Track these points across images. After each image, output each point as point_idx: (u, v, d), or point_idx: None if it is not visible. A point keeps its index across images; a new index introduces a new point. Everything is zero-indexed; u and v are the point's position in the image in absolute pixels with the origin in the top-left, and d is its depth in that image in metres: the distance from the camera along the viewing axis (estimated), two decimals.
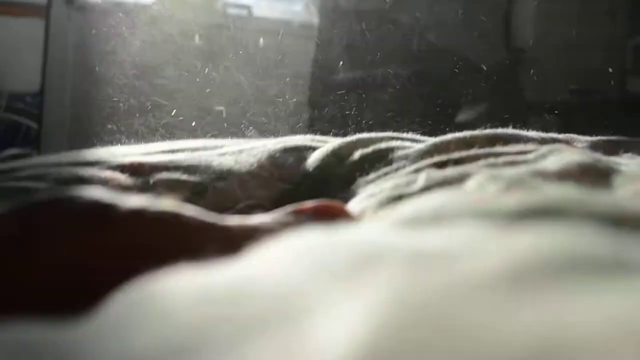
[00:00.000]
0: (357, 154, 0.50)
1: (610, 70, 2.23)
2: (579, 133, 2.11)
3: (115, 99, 1.95)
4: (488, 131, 0.59)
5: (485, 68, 1.85)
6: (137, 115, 1.95)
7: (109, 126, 1.95)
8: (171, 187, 0.49)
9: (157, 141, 0.71)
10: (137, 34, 1.96)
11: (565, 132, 2.21)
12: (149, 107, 1.95)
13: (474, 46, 1.84)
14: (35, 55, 2.06)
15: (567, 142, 0.62)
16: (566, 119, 2.18)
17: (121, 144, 1.90)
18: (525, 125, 2.06)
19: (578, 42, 2.25)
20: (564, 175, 0.43)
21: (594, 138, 0.65)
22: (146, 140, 0.68)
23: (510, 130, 0.60)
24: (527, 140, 0.58)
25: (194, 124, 1.93)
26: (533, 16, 2.25)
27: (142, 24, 1.96)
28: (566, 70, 2.21)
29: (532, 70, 2.09)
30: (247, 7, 2.11)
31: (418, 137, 0.61)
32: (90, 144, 1.93)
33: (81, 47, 1.94)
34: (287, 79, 2.01)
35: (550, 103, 2.14)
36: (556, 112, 2.19)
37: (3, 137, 2.44)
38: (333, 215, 0.43)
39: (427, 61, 1.76)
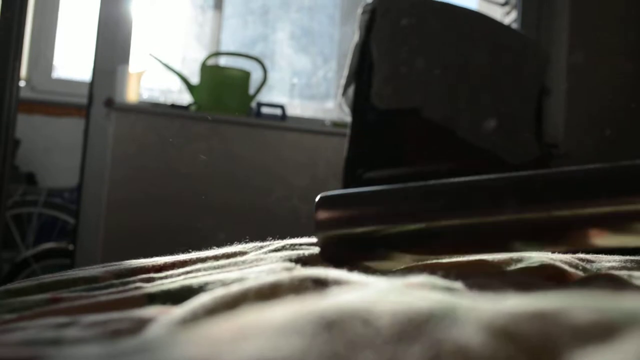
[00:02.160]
0: None
1: None
2: None
3: (150, 198, 1.98)
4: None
5: (517, 164, 1.85)
6: (171, 212, 1.97)
7: (144, 223, 1.98)
8: None
9: (190, 245, 0.71)
10: (173, 133, 2.01)
11: None
12: (183, 204, 1.98)
13: (506, 143, 1.84)
14: (74, 153, 2.12)
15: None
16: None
17: (154, 242, 1.92)
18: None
19: (611, 136, 2.24)
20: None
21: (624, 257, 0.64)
22: (180, 242, 0.68)
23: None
24: None
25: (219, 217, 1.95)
26: (565, 112, 2.27)
27: (178, 125, 2.01)
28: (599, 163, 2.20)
29: (565, 166, 2.08)
30: (281, 107, 2.16)
31: None
32: (125, 239, 1.96)
33: (119, 146, 1.99)
34: (320, 177, 2.03)
35: None
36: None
37: (41, 231, 2.49)
38: None
39: (459, 159, 1.77)
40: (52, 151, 2.61)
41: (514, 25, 2.41)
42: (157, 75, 2.28)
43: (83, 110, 2.08)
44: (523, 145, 1.88)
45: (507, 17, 2.52)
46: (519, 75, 1.92)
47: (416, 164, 1.78)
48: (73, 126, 2.44)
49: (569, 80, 2.28)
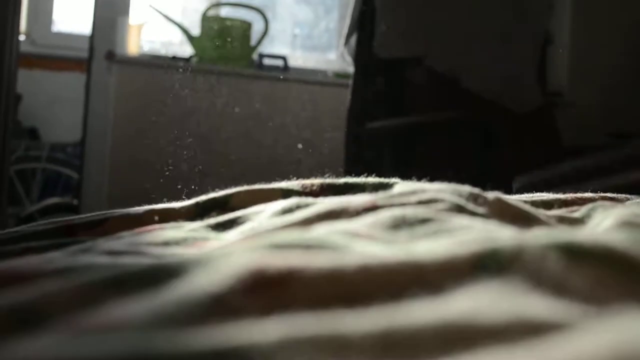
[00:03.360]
0: None
1: None
2: (616, 178, 2.07)
3: (154, 151, 1.98)
4: (533, 195, 0.58)
5: (521, 113, 1.85)
6: (175, 165, 1.97)
7: (148, 176, 1.98)
8: None
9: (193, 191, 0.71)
10: (175, 86, 1.99)
11: (601, 176, 2.18)
12: (186, 157, 1.97)
13: (510, 91, 1.83)
14: (76, 108, 2.11)
15: (615, 200, 0.60)
16: (604, 163, 2.15)
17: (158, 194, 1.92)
18: (563, 171, 2.04)
19: (615, 85, 2.23)
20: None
21: None
22: (185, 194, 0.68)
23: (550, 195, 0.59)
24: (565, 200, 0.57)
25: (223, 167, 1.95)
26: (569, 59, 2.25)
27: (180, 76, 2.00)
28: (604, 114, 2.19)
29: (569, 114, 2.07)
30: (283, 58, 2.14)
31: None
32: (130, 192, 1.96)
33: (121, 99, 1.98)
34: (323, 128, 2.02)
35: (588, 147, 2.12)
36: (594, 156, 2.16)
37: (44, 186, 2.50)
38: None
39: (462, 108, 1.76)
40: (54, 106, 2.60)
41: None
42: (158, 27, 2.26)
43: (84, 64, 2.06)
44: (526, 93, 1.87)
45: None
46: (522, 23, 1.90)
47: (419, 113, 1.77)
48: (74, 80, 2.42)
49: (573, 28, 2.25)
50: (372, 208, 0.39)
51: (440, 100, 1.80)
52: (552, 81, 2.14)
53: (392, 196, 0.41)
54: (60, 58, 2.59)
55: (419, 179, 0.60)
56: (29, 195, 2.47)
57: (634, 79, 2.28)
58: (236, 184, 0.68)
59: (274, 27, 2.25)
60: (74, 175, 2.42)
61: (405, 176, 0.62)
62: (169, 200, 0.61)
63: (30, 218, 2.29)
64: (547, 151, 1.95)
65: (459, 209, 0.38)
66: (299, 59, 2.22)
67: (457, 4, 1.82)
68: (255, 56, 2.15)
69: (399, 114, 1.77)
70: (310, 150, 1.98)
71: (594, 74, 2.23)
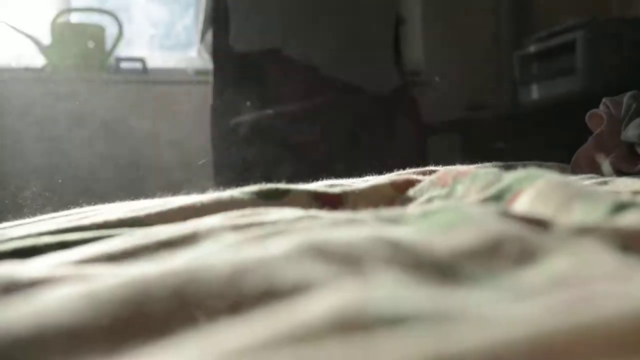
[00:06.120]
0: None
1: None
2: (477, 147, 2.17)
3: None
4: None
5: (379, 94, 1.90)
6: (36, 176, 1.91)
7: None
8: None
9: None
10: (30, 96, 1.92)
11: (464, 147, 2.27)
12: (46, 166, 1.91)
13: (367, 74, 1.88)
14: None
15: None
16: (464, 135, 2.25)
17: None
18: (426, 145, 2.11)
19: (467, 59, 2.33)
20: None
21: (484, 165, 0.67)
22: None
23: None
24: None
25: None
26: (422, 39, 2.33)
27: (36, 86, 1.93)
28: (461, 89, 2.29)
29: (428, 92, 2.15)
30: (141, 60, 2.10)
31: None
32: None
33: None
34: (188, 126, 2.00)
35: (448, 121, 2.21)
36: (454, 129, 2.26)
37: None
38: None
39: (322, 95, 1.79)
40: None
41: None
42: (6, 39, 2.16)
43: None
44: (383, 74, 1.92)
45: None
46: (373, 5, 1.95)
47: (281, 104, 1.79)
48: None
49: (424, 9, 2.34)
50: None
51: (300, 90, 1.82)
52: (410, 61, 2.21)
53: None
54: None
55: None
56: None
57: (489, 52, 2.39)
58: (106, 191, 0.66)
59: (130, 29, 2.20)
60: None
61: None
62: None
63: None
64: (411, 129, 2.01)
65: None
66: (158, 59, 2.19)
67: None
68: (112, 61, 2.10)
69: (261, 107, 1.78)
70: (177, 151, 1.96)
71: (450, 52, 2.31)
